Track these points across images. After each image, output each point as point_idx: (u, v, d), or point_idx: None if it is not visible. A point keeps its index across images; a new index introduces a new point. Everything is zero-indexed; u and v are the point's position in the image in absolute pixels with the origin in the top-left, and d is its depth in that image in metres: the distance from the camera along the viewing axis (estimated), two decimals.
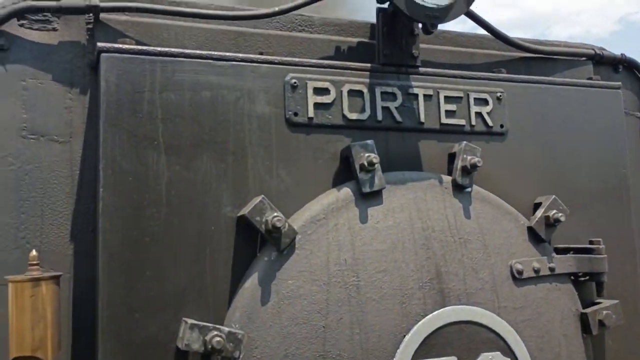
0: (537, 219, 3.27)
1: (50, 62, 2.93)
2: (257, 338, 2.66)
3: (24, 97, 2.87)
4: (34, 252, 2.57)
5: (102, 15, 2.96)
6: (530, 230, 3.26)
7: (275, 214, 2.73)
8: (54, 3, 2.91)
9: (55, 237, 2.84)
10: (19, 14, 2.87)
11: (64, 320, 2.71)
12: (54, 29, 2.96)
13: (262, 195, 2.77)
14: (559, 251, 3.34)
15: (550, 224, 3.27)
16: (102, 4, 2.93)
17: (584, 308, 3.32)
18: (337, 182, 3.02)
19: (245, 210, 2.75)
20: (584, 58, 4.00)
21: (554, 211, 3.28)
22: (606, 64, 4.10)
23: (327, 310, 2.76)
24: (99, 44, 2.74)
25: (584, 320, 3.28)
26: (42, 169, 2.86)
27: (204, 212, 2.77)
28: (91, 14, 2.94)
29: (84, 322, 2.79)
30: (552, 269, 3.23)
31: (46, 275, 2.51)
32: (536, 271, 3.18)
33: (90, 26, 2.98)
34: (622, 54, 4.15)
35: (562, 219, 3.27)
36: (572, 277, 3.34)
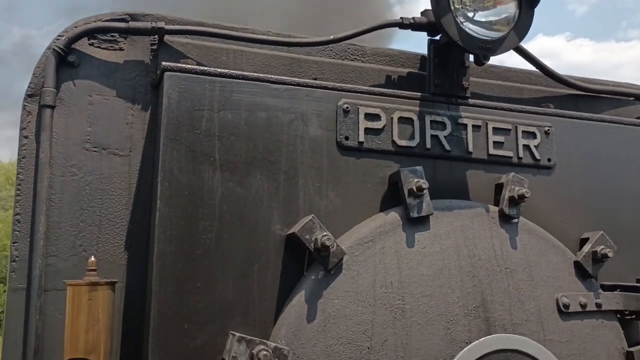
0: (584, 253, 3.25)
1: (115, 79, 3.08)
2: (302, 355, 2.67)
3: (89, 112, 3.02)
4: (92, 258, 2.66)
5: (167, 37, 3.11)
6: (577, 265, 3.24)
7: (325, 233, 2.77)
8: (122, 24, 3.07)
9: (110, 247, 2.94)
10: (90, 33, 3.04)
11: (116, 327, 2.78)
12: (121, 49, 3.11)
13: (312, 215, 2.82)
14: (605, 288, 3.30)
15: (598, 259, 3.24)
16: (167, 27, 3.08)
17: (629, 347, 3.25)
18: (385, 206, 3.06)
19: (295, 229, 2.80)
20: (632, 98, 4.01)
21: (602, 247, 3.25)
22: None
23: (372, 332, 2.77)
24: (164, 63, 2.86)
25: (629, 359, 3.21)
26: (102, 180, 2.98)
27: (255, 228, 2.84)
28: (156, 36, 3.10)
29: (133, 330, 2.86)
30: (598, 305, 3.19)
31: (103, 281, 2.59)
32: (583, 306, 3.14)
33: (154, 47, 3.13)
34: None
35: (610, 254, 3.24)
36: (618, 315, 3.29)
